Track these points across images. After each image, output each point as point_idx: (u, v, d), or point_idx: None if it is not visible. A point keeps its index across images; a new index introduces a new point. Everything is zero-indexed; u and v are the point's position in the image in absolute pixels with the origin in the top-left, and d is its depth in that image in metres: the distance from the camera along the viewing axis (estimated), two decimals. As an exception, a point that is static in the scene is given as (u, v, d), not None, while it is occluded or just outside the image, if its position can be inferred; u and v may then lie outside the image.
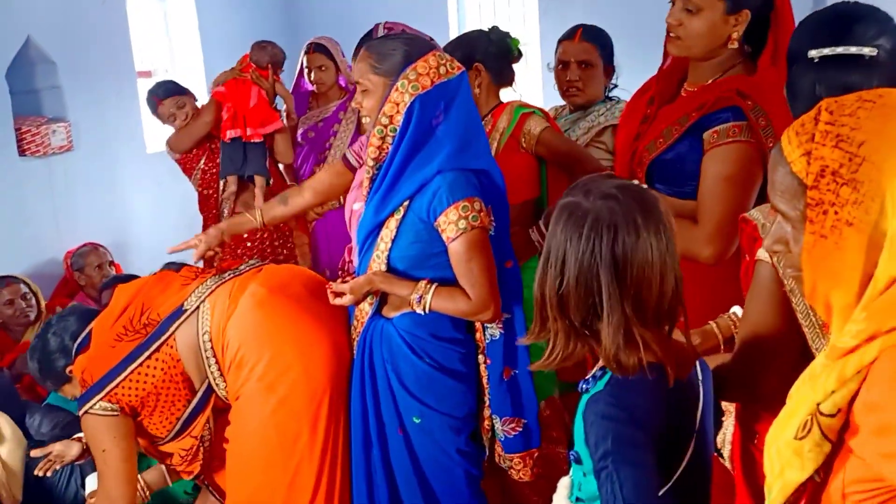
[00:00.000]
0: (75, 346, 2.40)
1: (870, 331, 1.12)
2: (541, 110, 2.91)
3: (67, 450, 2.62)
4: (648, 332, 1.38)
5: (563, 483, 1.53)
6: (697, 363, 1.51)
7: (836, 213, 1.16)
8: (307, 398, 2.32)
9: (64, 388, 2.49)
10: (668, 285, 1.39)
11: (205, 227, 3.94)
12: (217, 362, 2.35)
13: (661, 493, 1.40)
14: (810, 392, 1.19)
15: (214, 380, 2.37)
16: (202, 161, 4.07)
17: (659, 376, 1.40)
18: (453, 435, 2.34)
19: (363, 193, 2.37)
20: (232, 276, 2.43)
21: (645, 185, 1.41)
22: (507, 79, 2.92)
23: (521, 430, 2.37)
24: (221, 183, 4.01)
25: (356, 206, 2.56)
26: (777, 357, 1.58)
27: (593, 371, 1.47)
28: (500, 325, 2.36)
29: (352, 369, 2.39)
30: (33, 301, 4.05)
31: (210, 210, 4.06)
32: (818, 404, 1.16)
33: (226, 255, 3.76)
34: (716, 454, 1.75)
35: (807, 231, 1.20)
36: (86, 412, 2.29)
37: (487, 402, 2.40)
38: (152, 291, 2.42)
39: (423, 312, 2.22)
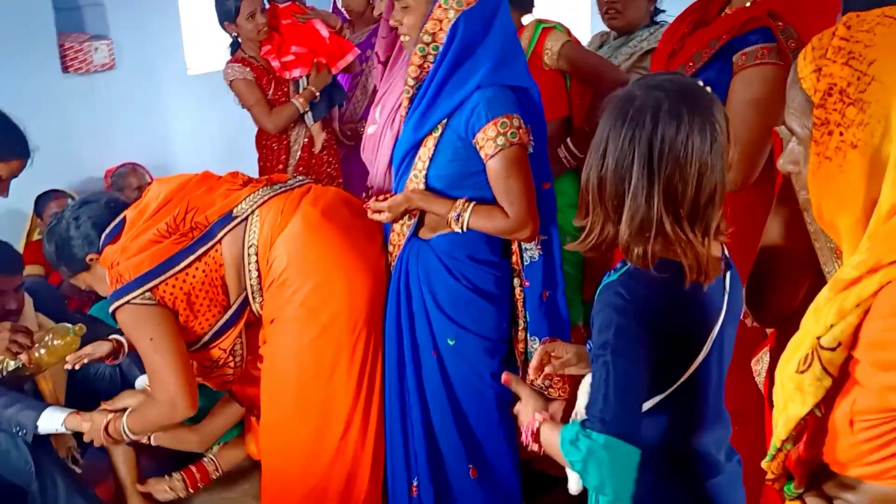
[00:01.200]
0: (104, 235, 2.36)
1: (871, 262, 1.09)
2: (561, 25, 2.86)
3: (97, 349, 2.67)
4: (674, 230, 1.35)
5: (587, 378, 1.54)
6: (728, 276, 1.49)
7: (840, 133, 1.12)
8: (348, 328, 2.34)
9: (80, 275, 2.45)
10: (705, 187, 1.35)
11: (263, 172, 3.82)
12: (259, 276, 2.35)
13: (655, 402, 1.44)
14: (813, 324, 1.16)
15: (252, 293, 2.38)
16: None
17: (674, 275, 1.39)
18: (487, 358, 2.36)
19: (401, 114, 2.36)
20: (283, 189, 2.42)
21: (708, 89, 1.40)
22: (527, 5, 2.91)
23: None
24: (296, 131, 3.80)
25: (370, 129, 2.55)
26: (788, 277, 1.54)
27: (617, 264, 1.47)
28: (539, 247, 2.36)
29: (387, 295, 2.41)
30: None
31: (278, 157, 3.82)
32: (818, 338, 1.14)
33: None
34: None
35: (812, 151, 1.17)
36: (126, 303, 2.25)
37: (522, 325, 2.42)
38: (197, 191, 2.39)
39: (460, 230, 2.22)
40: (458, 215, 2.21)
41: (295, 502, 2.43)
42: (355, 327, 2.35)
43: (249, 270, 2.35)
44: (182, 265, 2.28)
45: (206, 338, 2.39)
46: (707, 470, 1.52)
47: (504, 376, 1.69)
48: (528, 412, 1.59)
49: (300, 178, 2.58)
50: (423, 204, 2.26)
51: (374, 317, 2.39)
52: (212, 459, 2.98)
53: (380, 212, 2.29)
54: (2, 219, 3.91)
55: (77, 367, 2.69)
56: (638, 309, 1.38)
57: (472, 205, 2.22)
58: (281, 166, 3.78)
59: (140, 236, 2.32)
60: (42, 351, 2.66)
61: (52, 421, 2.65)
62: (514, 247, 2.37)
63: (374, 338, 2.38)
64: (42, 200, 4.07)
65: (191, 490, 2.93)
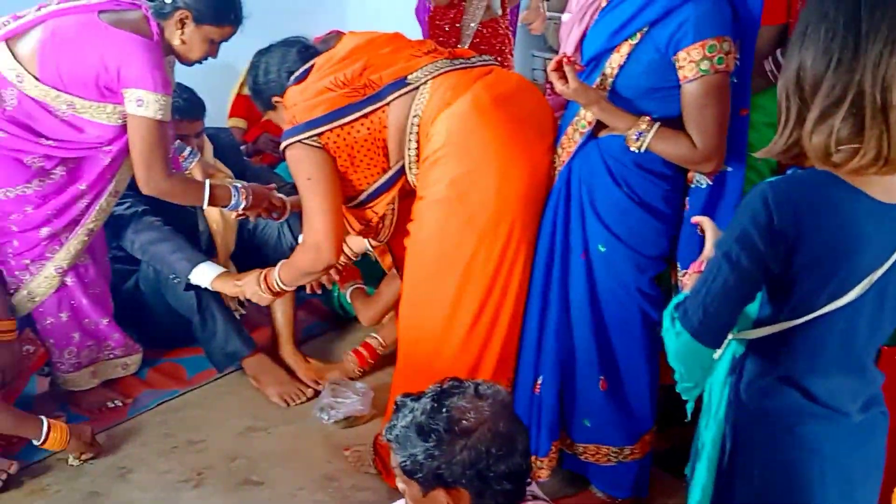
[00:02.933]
0: (292, 77, 2.45)
1: None
2: None
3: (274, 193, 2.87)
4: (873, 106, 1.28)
5: None
6: None
7: None
8: (493, 220, 2.26)
9: (269, 113, 2.62)
10: None
11: None
12: (417, 149, 2.33)
13: (788, 327, 1.42)
14: None
15: (409, 163, 2.36)
16: None
17: (834, 181, 1.34)
18: (636, 272, 2.22)
19: (600, 4, 2.19)
20: (462, 66, 2.35)
21: None
22: None
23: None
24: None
25: (564, 17, 2.41)
26: None
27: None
28: (711, 176, 2.16)
29: (548, 197, 2.30)
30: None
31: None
32: None
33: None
34: None
35: None
36: (295, 142, 2.32)
37: None
38: (381, 49, 2.39)
39: (637, 151, 2.06)
40: (640, 135, 2.05)
41: (424, 381, 2.44)
42: (500, 220, 2.27)
43: (410, 140, 2.32)
44: (348, 119, 2.31)
45: (362, 196, 2.42)
46: (811, 412, 1.46)
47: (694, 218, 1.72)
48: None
49: (486, 58, 2.49)
50: (602, 115, 2.10)
51: (525, 214, 2.29)
52: (375, 337, 3.09)
53: (565, 80, 2.09)
54: (215, 72, 4.11)
55: (249, 215, 2.84)
56: (775, 220, 1.34)
57: (656, 126, 2.04)
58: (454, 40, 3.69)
59: (319, 82, 2.36)
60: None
61: (203, 277, 2.85)
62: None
63: (519, 234, 2.29)
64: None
65: (361, 369, 3.08)
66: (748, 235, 1.35)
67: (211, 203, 2.68)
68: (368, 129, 2.31)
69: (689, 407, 1.62)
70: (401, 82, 2.31)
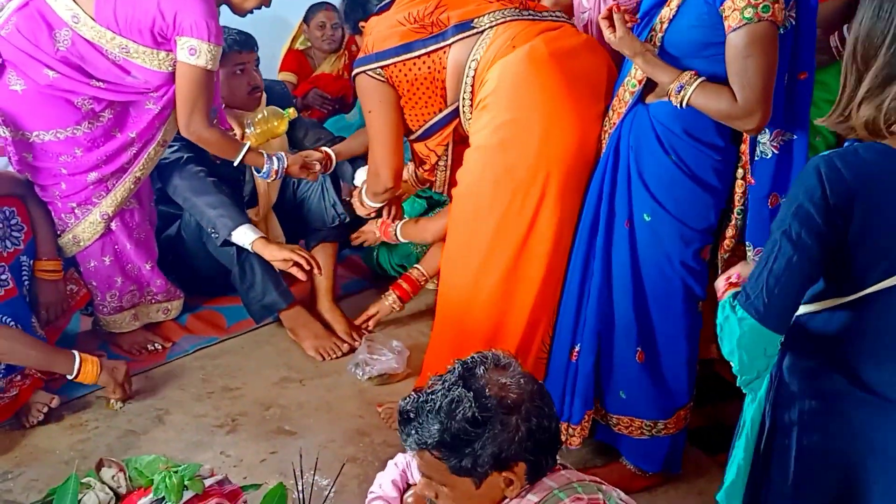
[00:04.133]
0: (377, 7, 2.53)
1: None
2: None
3: (309, 155, 2.97)
4: None
5: None
6: None
7: None
8: (531, 172, 2.26)
9: (356, 38, 2.71)
10: None
11: None
12: (472, 92, 2.35)
13: (839, 303, 1.40)
14: None
15: (463, 106, 2.39)
16: None
17: (887, 154, 1.33)
18: (681, 244, 2.17)
19: None
20: (529, 17, 2.36)
21: None
22: None
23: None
24: None
25: None
26: None
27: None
28: (776, 146, 2.08)
29: (595, 161, 2.27)
30: (339, 33, 4.26)
31: None
32: None
33: None
34: None
35: None
36: (362, 72, 2.43)
37: (733, 222, 2.19)
38: None
39: (679, 105, 2.00)
40: (682, 87, 1.98)
41: (454, 331, 2.47)
42: (537, 174, 2.25)
43: (466, 83, 2.36)
44: (412, 54, 2.38)
45: (420, 131, 2.50)
46: (860, 398, 1.42)
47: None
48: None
49: (559, 14, 2.46)
50: (646, 67, 2.04)
51: (567, 175, 2.27)
52: (417, 267, 3.07)
53: (612, 28, 2.04)
54: (267, 24, 4.10)
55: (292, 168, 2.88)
56: (829, 195, 1.32)
57: (699, 80, 1.97)
58: None
59: (395, 15, 2.43)
60: (252, 129, 2.94)
61: (244, 238, 2.88)
62: (745, 135, 2.09)
63: (556, 193, 2.27)
64: (312, 10, 4.24)
65: (403, 301, 3.07)
66: (805, 212, 1.34)
67: (246, 162, 2.77)
68: (430, 67, 2.37)
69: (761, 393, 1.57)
70: (466, 25, 2.34)
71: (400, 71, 2.39)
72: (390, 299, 3.07)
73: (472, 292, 2.38)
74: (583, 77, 2.29)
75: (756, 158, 2.11)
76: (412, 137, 2.54)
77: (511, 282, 2.33)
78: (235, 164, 2.77)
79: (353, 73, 2.49)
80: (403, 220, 3.02)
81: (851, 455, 1.46)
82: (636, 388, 2.32)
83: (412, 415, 1.52)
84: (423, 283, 3.08)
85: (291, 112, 3.01)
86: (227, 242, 2.89)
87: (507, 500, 1.53)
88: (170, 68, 2.57)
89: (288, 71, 4.16)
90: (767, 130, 2.05)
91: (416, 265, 3.11)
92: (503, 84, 2.27)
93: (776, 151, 2.08)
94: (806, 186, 1.35)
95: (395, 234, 3.03)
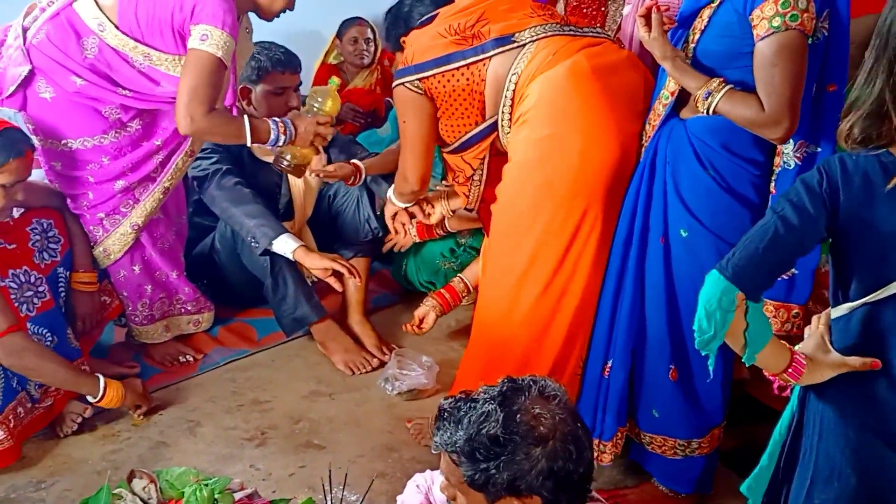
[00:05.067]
0: (419, 20, 2.54)
1: None
2: None
3: (340, 169, 2.98)
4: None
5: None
6: None
7: None
8: (572, 188, 2.25)
9: (397, 54, 2.70)
10: None
11: None
12: (511, 107, 2.35)
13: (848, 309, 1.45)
14: None
15: (502, 120, 2.38)
16: None
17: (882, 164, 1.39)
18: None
19: None
20: (571, 33, 2.36)
21: None
22: None
23: (787, 277, 2.10)
24: None
25: None
26: None
27: None
28: (799, 156, 2.06)
29: (632, 177, 2.26)
30: (372, 48, 4.30)
31: None
32: None
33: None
34: None
35: None
36: (401, 84, 2.46)
37: None
38: (499, 5, 2.42)
39: (705, 112, 1.99)
40: (709, 94, 1.98)
41: (489, 347, 2.45)
42: (579, 190, 2.25)
43: (505, 97, 2.35)
44: (451, 66, 2.38)
45: (456, 144, 2.50)
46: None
47: None
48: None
49: (599, 30, 2.47)
50: (675, 72, 2.04)
51: (607, 190, 2.26)
52: (461, 279, 3.05)
53: (648, 26, 2.04)
54: (303, 38, 4.15)
55: (322, 178, 2.92)
56: (823, 184, 1.42)
57: (727, 87, 1.97)
58: None
59: (436, 28, 2.44)
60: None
61: (285, 246, 2.89)
62: (779, 147, 2.08)
63: (598, 209, 2.26)
64: (345, 25, 4.28)
65: (444, 311, 2.97)
66: (797, 193, 1.43)
67: (254, 139, 2.60)
68: (468, 79, 2.36)
69: (710, 364, 1.59)
70: (507, 39, 2.34)
71: (438, 82, 2.39)
72: (431, 307, 2.98)
73: (511, 308, 2.37)
74: (623, 93, 2.29)
75: (778, 169, 2.10)
76: (448, 150, 2.54)
77: (551, 297, 2.32)
78: (248, 143, 2.61)
79: (393, 84, 2.51)
80: (451, 215, 3.03)
81: (879, 449, 1.49)
82: (669, 406, 2.29)
83: (446, 414, 1.55)
84: (463, 297, 3.02)
85: (336, 82, 2.79)
86: (264, 252, 2.91)
87: None
88: None
89: (322, 85, 4.20)
90: (792, 141, 2.04)
91: (460, 277, 3.04)
92: (544, 99, 2.27)
93: (799, 163, 2.07)
94: (804, 179, 1.45)
95: (445, 226, 3.08)
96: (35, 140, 2.58)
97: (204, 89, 2.45)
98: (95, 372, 2.61)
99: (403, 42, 2.57)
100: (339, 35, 4.29)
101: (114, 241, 2.78)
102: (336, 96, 2.73)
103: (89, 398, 2.54)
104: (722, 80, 1.98)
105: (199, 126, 2.49)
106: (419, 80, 2.41)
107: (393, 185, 2.79)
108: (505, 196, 2.39)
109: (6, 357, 2.38)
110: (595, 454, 2.33)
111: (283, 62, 3.01)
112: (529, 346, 2.37)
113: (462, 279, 3.02)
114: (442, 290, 3.01)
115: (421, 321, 2.94)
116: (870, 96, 1.39)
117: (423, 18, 2.52)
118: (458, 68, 2.36)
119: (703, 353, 1.52)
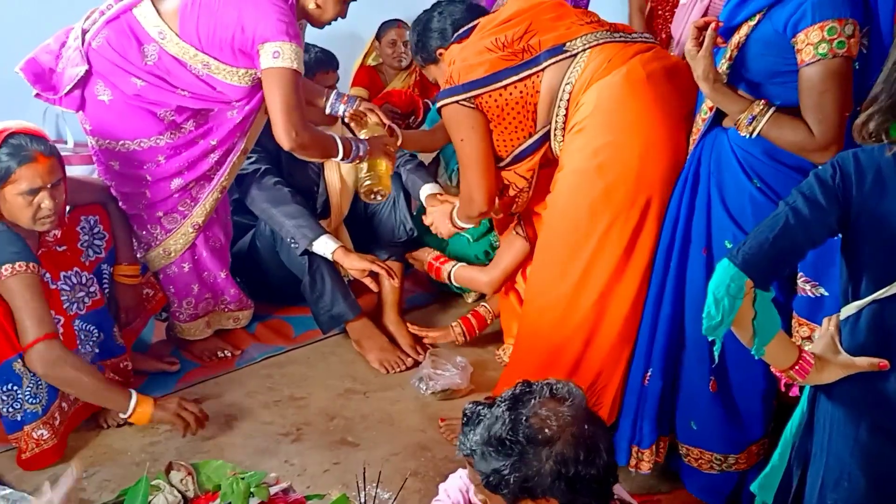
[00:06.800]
0: (455, 33, 2.52)
1: None
2: None
3: (374, 129, 2.91)
4: None
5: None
6: None
7: None
8: (630, 197, 2.25)
9: (428, 67, 2.69)
10: None
11: None
12: (566, 116, 2.34)
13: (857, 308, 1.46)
14: None
15: (555, 130, 2.38)
16: None
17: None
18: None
19: None
20: (622, 39, 2.36)
21: None
22: None
23: (815, 296, 2.05)
24: None
25: None
26: None
27: None
28: None
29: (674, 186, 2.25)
30: (410, 50, 4.31)
31: None
32: None
33: None
34: None
35: None
36: (451, 103, 2.42)
37: None
38: (544, 15, 2.41)
39: (748, 136, 1.98)
40: (753, 118, 1.95)
41: (539, 352, 2.46)
42: (637, 198, 2.25)
43: (559, 107, 2.35)
44: (504, 82, 2.37)
45: (509, 158, 2.50)
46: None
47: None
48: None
49: (648, 35, 2.48)
50: (713, 95, 2.01)
51: (662, 196, 2.26)
52: (485, 306, 3.09)
53: (697, 40, 2.00)
54: (342, 41, 4.18)
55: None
56: (836, 178, 1.43)
57: (771, 111, 1.94)
58: None
59: (480, 42, 2.42)
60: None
61: (325, 247, 2.94)
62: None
63: (653, 216, 2.26)
64: (384, 27, 4.30)
65: (468, 337, 3.08)
66: (810, 186, 1.45)
67: (344, 155, 2.69)
68: (521, 92, 2.36)
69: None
70: (558, 49, 2.33)
71: (490, 98, 2.38)
72: (457, 331, 3.09)
73: (566, 314, 2.36)
74: (675, 99, 2.29)
75: None
76: (501, 164, 2.52)
77: (605, 305, 2.32)
78: (338, 158, 2.70)
79: (439, 104, 2.46)
80: (459, 265, 3.08)
81: (888, 449, 1.50)
82: (707, 418, 2.27)
83: (466, 419, 1.58)
84: (489, 323, 3.10)
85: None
86: (303, 252, 2.94)
87: None
88: (249, 82, 2.62)
89: (360, 86, 4.22)
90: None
91: (484, 304, 3.12)
92: (601, 107, 2.26)
93: None
94: (816, 173, 1.46)
95: (450, 276, 3.11)
96: (91, 140, 2.66)
97: (295, 103, 2.52)
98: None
99: (440, 54, 2.56)
100: (377, 37, 4.31)
101: (175, 240, 2.82)
102: (387, 177, 2.81)
103: (121, 414, 2.47)
104: (765, 102, 1.96)
105: (303, 138, 2.55)
106: (471, 98, 2.39)
107: (456, 209, 2.75)
108: (559, 204, 2.38)
109: (42, 367, 2.31)
110: (633, 461, 2.35)
111: (324, 62, 3.08)
112: (580, 351, 2.37)
113: (486, 306, 3.09)
114: (469, 317, 3.08)
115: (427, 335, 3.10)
116: (889, 91, 1.38)
117: (462, 31, 2.48)
118: (511, 83, 2.35)
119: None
